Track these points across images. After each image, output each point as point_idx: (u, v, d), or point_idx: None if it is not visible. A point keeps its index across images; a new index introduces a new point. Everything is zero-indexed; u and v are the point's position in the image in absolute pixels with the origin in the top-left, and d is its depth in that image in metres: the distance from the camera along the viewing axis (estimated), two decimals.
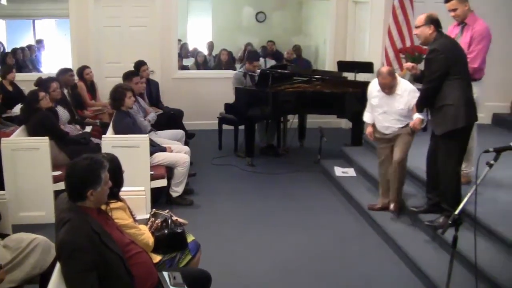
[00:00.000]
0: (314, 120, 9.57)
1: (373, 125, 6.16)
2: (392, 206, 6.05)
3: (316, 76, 8.85)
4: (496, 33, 5.82)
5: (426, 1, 8.59)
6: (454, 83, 5.05)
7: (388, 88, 5.77)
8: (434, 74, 5.07)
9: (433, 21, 5.13)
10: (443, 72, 5.02)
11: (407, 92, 5.72)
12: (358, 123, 8.51)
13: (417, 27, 5.22)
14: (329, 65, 10.67)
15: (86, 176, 3.20)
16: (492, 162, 3.89)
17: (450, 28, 5.94)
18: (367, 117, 6.25)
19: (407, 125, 5.79)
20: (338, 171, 7.72)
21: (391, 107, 5.83)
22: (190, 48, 13.05)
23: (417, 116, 5.65)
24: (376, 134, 6.15)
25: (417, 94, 5.55)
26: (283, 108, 8.37)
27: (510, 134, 8.17)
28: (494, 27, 5.82)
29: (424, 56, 5.38)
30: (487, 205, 5.33)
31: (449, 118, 5.07)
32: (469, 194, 3.90)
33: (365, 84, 8.49)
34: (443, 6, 5.84)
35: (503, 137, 7.56)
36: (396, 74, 5.84)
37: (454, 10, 5.69)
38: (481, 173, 3.88)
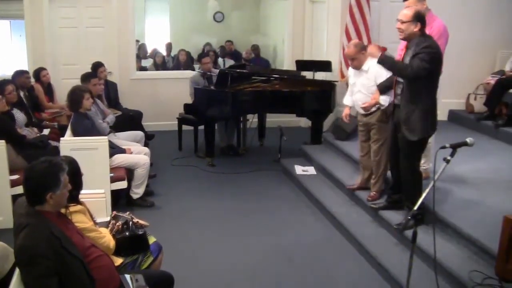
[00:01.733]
0: (273, 119, 9.64)
1: (351, 108, 6.30)
2: (372, 193, 6.10)
3: (275, 76, 8.87)
4: (452, 31, 5.91)
5: (381, 0, 8.67)
6: (433, 87, 5.05)
7: (351, 59, 5.88)
8: (429, 62, 4.85)
9: (420, 19, 4.98)
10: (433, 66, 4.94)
11: (374, 68, 5.69)
12: (317, 122, 8.61)
13: (402, 22, 4.99)
14: (288, 64, 10.72)
15: (45, 179, 3.15)
16: (449, 158, 3.98)
17: None
18: (346, 99, 6.32)
19: (378, 108, 5.81)
20: (298, 169, 7.76)
21: (362, 84, 5.92)
22: (149, 48, 12.97)
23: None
24: (357, 115, 6.27)
25: (383, 70, 5.50)
26: (243, 108, 8.36)
27: (465, 130, 8.32)
28: (451, 26, 5.90)
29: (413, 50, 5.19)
30: (445, 200, 5.44)
31: (421, 126, 5.05)
32: (427, 190, 3.99)
33: (324, 83, 8.62)
34: (397, 6, 5.89)
35: (459, 133, 7.73)
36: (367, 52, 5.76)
37: None
38: (438, 169, 3.96)
